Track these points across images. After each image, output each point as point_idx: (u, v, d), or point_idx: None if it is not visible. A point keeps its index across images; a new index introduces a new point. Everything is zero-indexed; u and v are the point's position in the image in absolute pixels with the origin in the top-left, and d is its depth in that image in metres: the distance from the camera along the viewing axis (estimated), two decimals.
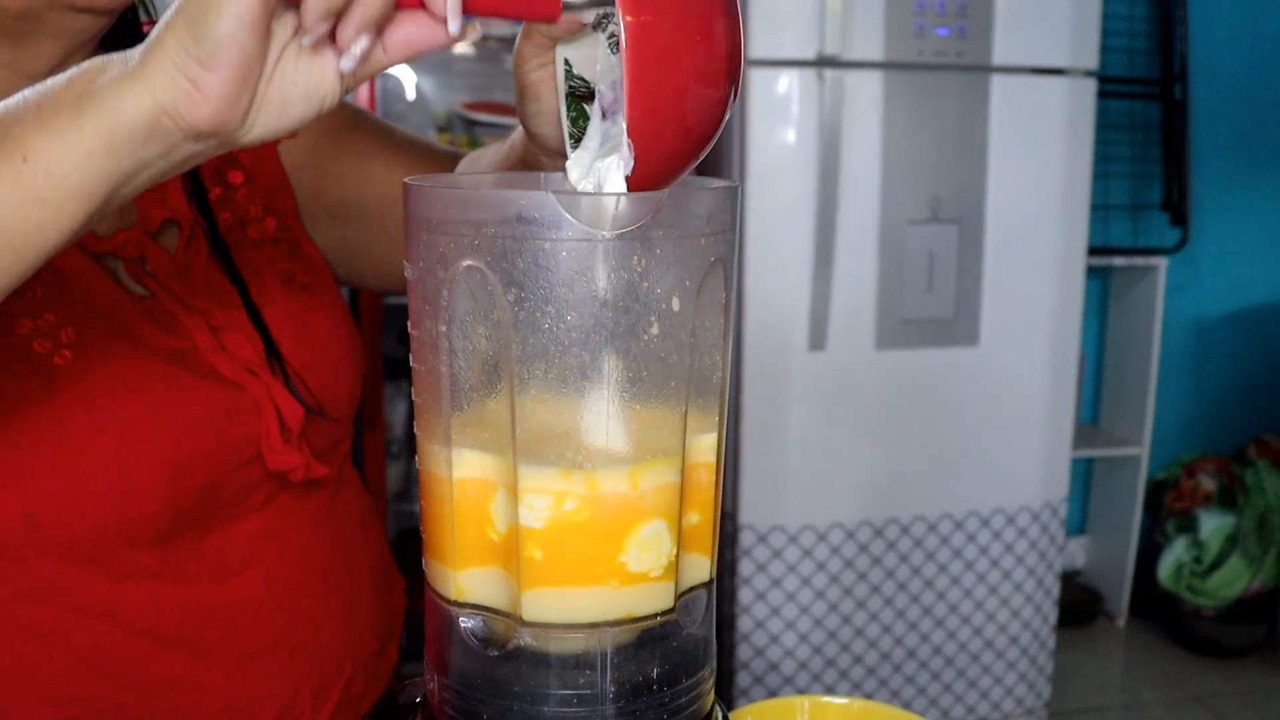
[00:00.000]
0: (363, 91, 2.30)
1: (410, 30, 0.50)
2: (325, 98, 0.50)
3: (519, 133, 0.77)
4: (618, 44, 0.58)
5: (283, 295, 0.85)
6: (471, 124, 2.67)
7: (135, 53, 0.47)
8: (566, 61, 0.65)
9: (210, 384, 0.77)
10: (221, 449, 0.77)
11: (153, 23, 0.82)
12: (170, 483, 0.74)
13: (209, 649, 0.80)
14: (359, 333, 0.94)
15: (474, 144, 2.59)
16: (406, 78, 2.56)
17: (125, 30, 0.81)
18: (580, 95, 0.67)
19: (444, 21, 0.49)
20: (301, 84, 0.49)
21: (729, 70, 0.53)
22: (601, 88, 0.63)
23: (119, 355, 0.74)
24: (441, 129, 2.64)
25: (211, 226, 0.82)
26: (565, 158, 0.63)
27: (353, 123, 0.92)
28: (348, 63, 0.49)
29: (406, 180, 0.57)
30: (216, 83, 0.46)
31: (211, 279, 0.81)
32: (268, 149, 0.89)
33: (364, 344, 2.21)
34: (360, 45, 0.48)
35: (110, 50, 0.75)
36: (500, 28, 2.40)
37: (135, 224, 0.79)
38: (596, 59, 0.64)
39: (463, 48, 2.60)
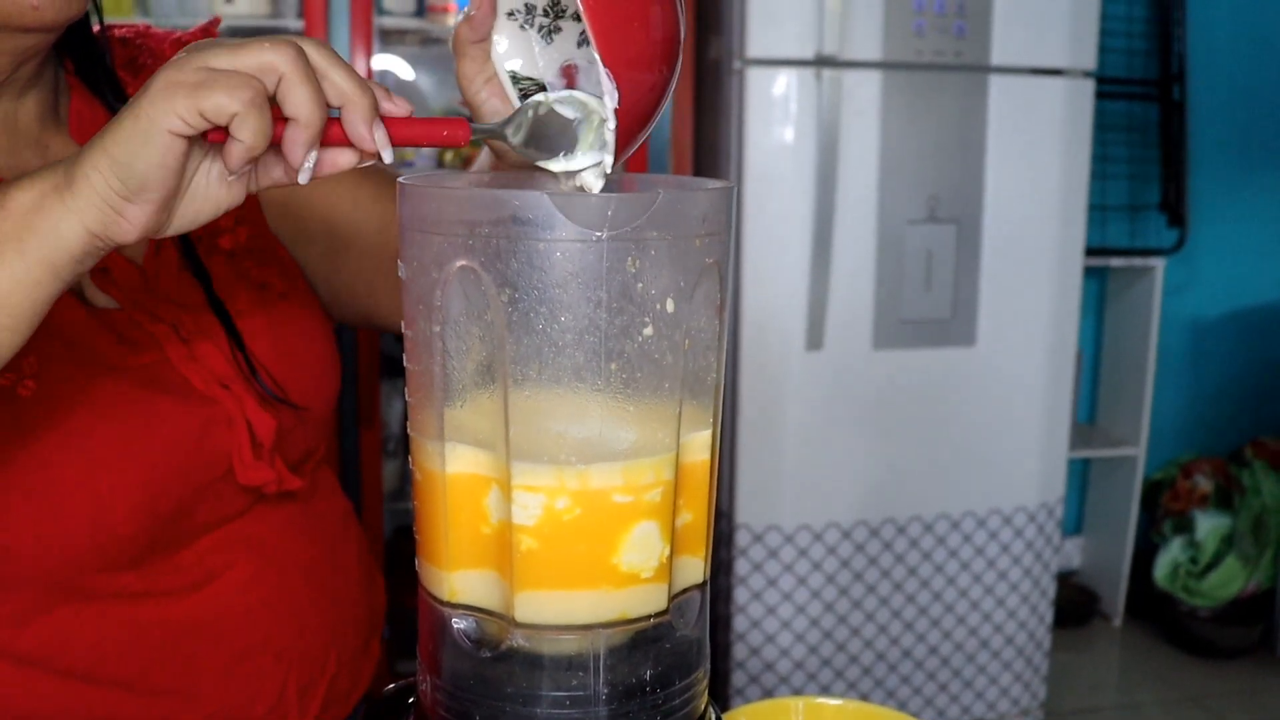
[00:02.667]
0: None
1: (330, 155, 0.56)
2: (232, 203, 0.57)
3: (485, 155, 0.79)
4: (549, 34, 0.65)
5: (258, 306, 0.83)
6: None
7: (63, 177, 0.53)
8: (512, 73, 0.67)
9: (181, 401, 0.76)
10: (194, 467, 0.76)
11: (103, 28, 0.81)
12: (145, 506, 0.74)
13: (196, 657, 0.79)
14: (335, 335, 0.92)
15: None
16: (404, 73, 2.56)
17: (77, 37, 0.80)
18: (534, 94, 0.68)
19: (375, 155, 0.55)
20: (212, 197, 0.56)
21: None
22: (550, 79, 0.65)
23: (85, 381, 0.73)
24: None
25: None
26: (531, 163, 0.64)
27: None
28: (304, 177, 0.55)
29: (401, 180, 0.57)
30: (139, 212, 0.53)
31: (181, 288, 0.80)
32: None
33: (361, 342, 2.21)
34: (311, 160, 0.54)
35: (62, 57, 0.79)
36: None
37: None
38: (536, 57, 0.67)
39: None
